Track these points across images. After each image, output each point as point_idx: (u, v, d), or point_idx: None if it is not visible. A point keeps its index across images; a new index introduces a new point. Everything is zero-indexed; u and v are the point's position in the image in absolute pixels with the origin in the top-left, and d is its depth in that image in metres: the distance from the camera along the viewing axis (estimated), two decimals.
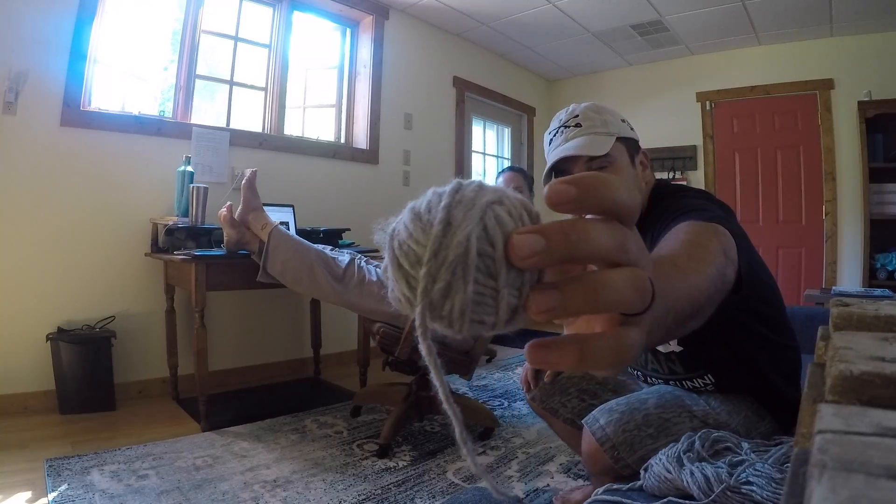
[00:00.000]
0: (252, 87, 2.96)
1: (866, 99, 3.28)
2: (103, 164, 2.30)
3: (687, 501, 0.75)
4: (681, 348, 0.96)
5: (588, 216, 0.26)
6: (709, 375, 0.99)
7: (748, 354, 0.96)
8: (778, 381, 0.99)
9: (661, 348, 0.98)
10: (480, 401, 2.35)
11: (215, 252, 2.02)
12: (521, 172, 2.12)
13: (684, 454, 0.78)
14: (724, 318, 0.83)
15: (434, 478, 1.64)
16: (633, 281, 0.25)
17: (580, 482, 1.59)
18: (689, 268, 0.46)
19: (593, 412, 0.98)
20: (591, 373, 0.35)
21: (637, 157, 0.99)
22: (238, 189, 1.87)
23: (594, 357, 0.25)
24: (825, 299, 2.62)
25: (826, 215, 3.56)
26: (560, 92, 4.88)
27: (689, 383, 1.01)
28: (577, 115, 0.96)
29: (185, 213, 2.28)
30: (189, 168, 2.36)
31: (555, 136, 0.96)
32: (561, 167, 0.94)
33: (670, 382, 1.04)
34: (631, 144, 0.98)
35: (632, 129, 1.00)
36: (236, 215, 1.84)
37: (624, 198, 0.26)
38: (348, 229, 2.72)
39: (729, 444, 0.79)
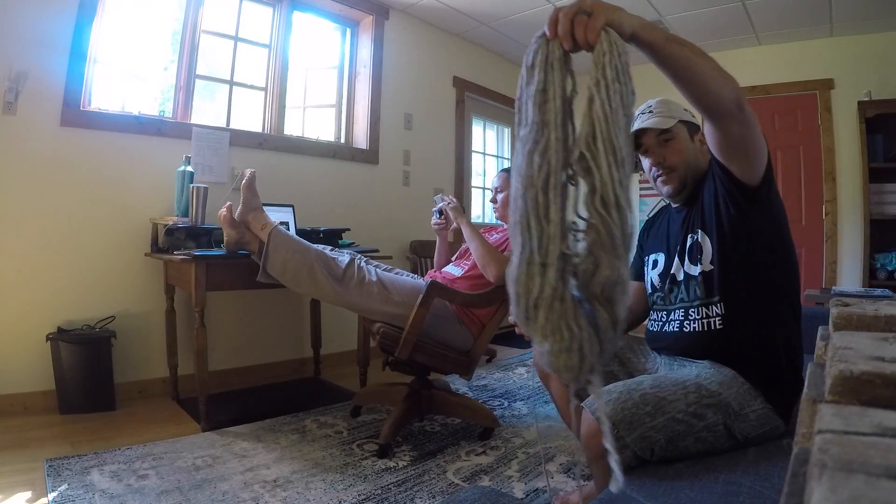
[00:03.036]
0: (252, 87, 2.96)
1: (866, 99, 3.28)
2: (103, 164, 2.30)
3: None
4: (711, 267, 1.12)
5: None
6: (720, 305, 1.10)
7: (760, 301, 1.08)
8: (780, 354, 1.06)
9: (691, 271, 1.16)
10: (480, 401, 2.35)
11: (215, 252, 2.02)
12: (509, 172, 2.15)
13: None
14: (749, 255, 1.06)
15: (434, 478, 1.64)
16: None
17: (580, 482, 1.59)
18: None
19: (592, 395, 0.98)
20: None
21: (696, 136, 1.25)
22: (238, 189, 1.88)
23: None
24: (825, 299, 2.61)
25: (826, 215, 3.56)
26: None
27: (703, 310, 1.13)
28: (651, 106, 1.24)
29: (185, 213, 2.28)
30: (189, 168, 2.36)
31: (636, 118, 1.25)
32: (639, 140, 1.25)
33: (690, 311, 1.15)
34: (691, 126, 1.24)
35: (693, 116, 1.27)
36: (236, 215, 1.84)
37: None
38: (348, 229, 2.72)
39: None
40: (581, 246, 0.71)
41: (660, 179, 1.24)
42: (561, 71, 0.76)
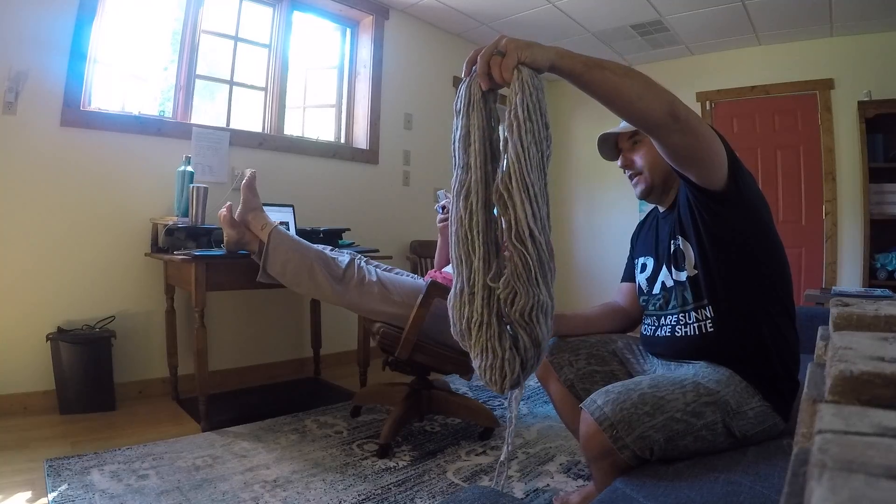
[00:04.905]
0: (252, 87, 2.96)
1: (866, 99, 3.28)
2: (103, 164, 2.30)
3: None
4: (696, 272, 1.12)
5: None
6: (709, 308, 1.10)
7: (749, 302, 1.07)
8: (772, 353, 1.06)
9: (678, 276, 1.16)
10: (480, 401, 2.34)
11: (215, 252, 2.02)
12: None
13: None
14: (732, 256, 1.06)
15: (434, 478, 1.64)
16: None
17: (580, 482, 1.59)
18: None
19: (591, 395, 0.99)
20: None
21: None
22: (238, 189, 1.88)
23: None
24: (825, 299, 2.61)
25: (826, 215, 3.56)
26: (560, 92, 4.88)
27: (693, 315, 1.12)
28: None
29: (185, 213, 2.28)
30: (189, 168, 2.36)
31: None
32: (617, 144, 1.30)
33: (682, 316, 1.15)
34: None
35: None
36: (236, 215, 1.84)
37: None
38: (348, 229, 2.72)
39: None
40: (503, 276, 0.81)
41: (632, 181, 1.28)
42: (481, 112, 0.81)
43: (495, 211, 0.82)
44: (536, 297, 0.80)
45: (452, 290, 0.86)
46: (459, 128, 0.83)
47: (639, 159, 1.24)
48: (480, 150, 0.81)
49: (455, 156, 0.84)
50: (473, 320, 0.82)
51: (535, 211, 0.78)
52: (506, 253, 0.82)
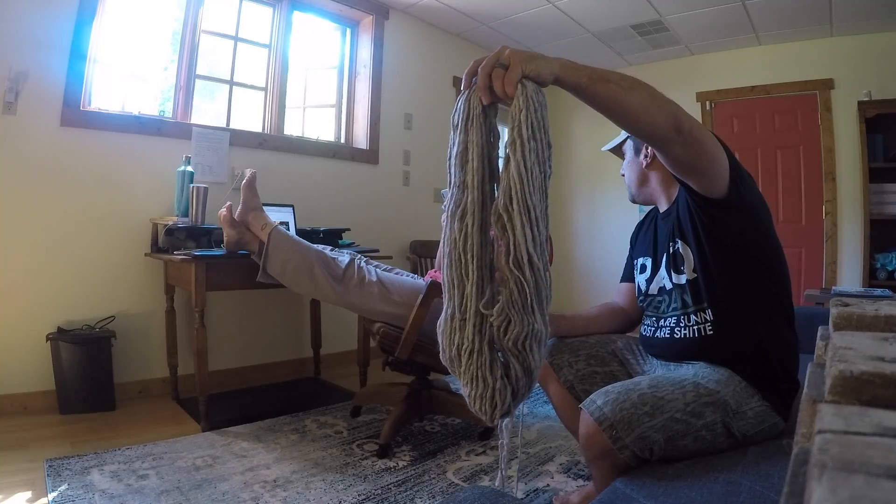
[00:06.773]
0: (252, 87, 2.96)
1: (866, 99, 3.28)
2: (103, 164, 2.30)
3: None
4: (695, 275, 1.11)
5: None
6: (709, 311, 1.09)
7: (748, 304, 1.07)
8: (771, 354, 1.06)
9: (677, 280, 1.15)
10: None
11: (215, 252, 2.02)
12: None
13: None
14: (732, 259, 1.06)
15: (434, 478, 1.64)
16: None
17: (580, 482, 1.59)
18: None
19: (591, 396, 0.99)
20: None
21: (642, 152, 1.28)
22: (238, 189, 1.88)
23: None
24: (825, 299, 2.61)
25: (826, 215, 3.56)
26: (560, 92, 4.85)
27: (693, 318, 1.12)
28: None
29: (185, 213, 2.28)
30: (189, 168, 2.36)
31: None
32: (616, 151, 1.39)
33: (681, 319, 1.15)
34: (637, 143, 1.30)
35: None
36: (236, 215, 1.84)
37: None
38: (348, 229, 2.72)
39: None
40: (498, 304, 0.77)
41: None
42: (481, 128, 0.77)
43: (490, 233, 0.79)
44: (531, 325, 0.76)
45: (443, 314, 0.82)
46: (457, 143, 0.78)
47: (625, 169, 1.32)
48: (479, 168, 0.76)
49: (451, 173, 0.79)
50: (464, 347, 0.79)
51: (535, 235, 0.74)
52: (498, 275, 0.78)
